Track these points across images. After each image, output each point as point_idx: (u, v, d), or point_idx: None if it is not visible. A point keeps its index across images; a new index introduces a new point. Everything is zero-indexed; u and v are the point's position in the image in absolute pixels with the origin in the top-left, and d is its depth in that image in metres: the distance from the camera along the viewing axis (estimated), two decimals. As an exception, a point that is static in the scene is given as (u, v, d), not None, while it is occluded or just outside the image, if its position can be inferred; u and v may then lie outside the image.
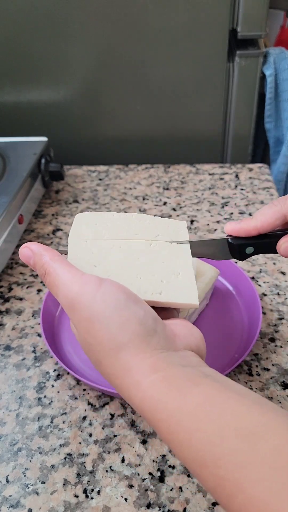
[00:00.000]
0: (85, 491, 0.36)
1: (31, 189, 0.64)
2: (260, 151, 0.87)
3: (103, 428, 0.40)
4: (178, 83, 0.75)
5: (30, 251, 0.31)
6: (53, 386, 0.44)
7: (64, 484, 0.36)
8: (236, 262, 0.56)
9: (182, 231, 0.36)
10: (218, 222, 0.65)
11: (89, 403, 0.42)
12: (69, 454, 0.38)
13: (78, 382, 0.44)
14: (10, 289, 0.55)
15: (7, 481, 0.36)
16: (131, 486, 0.36)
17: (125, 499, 0.35)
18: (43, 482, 0.36)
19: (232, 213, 0.66)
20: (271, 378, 0.43)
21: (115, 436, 0.39)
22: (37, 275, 0.57)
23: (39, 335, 0.49)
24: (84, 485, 0.36)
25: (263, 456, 0.20)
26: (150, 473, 0.36)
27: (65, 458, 0.38)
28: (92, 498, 0.35)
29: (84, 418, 0.41)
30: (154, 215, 0.66)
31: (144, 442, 0.39)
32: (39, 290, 0.55)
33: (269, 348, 0.46)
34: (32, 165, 0.64)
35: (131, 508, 0.34)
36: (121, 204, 0.70)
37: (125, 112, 0.79)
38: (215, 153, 0.83)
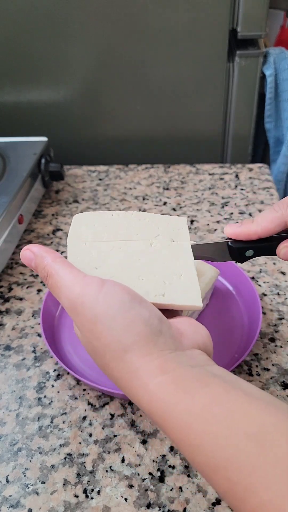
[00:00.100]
0: (85, 491, 0.36)
1: (31, 189, 0.64)
2: (260, 151, 0.87)
3: (103, 428, 0.40)
4: (178, 83, 0.75)
5: (31, 253, 0.31)
6: (53, 386, 0.44)
7: (64, 484, 0.36)
8: (236, 262, 0.56)
9: (182, 228, 0.36)
10: (218, 222, 0.65)
11: (89, 403, 0.42)
12: (69, 454, 0.38)
13: (78, 382, 0.44)
14: (10, 289, 0.55)
15: (7, 481, 0.36)
16: (131, 486, 0.36)
17: (125, 499, 0.35)
18: (43, 482, 0.36)
19: (232, 213, 0.66)
20: (271, 378, 0.43)
21: (115, 436, 0.39)
22: (37, 275, 0.57)
23: (39, 335, 0.49)
24: (84, 485, 0.36)
25: (274, 458, 0.19)
26: (150, 473, 0.36)
27: (65, 458, 0.38)
28: (92, 498, 0.35)
29: (84, 418, 0.41)
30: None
31: (144, 442, 0.39)
32: (39, 290, 0.55)
33: (269, 348, 0.46)
34: (32, 165, 0.64)
35: (131, 508, 0.34)
36: (121, 204, 0.70)
37: (125, 112, 0.79)
38: (215, 153, 0.83)
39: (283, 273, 0.55)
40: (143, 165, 0.79)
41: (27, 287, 0.55)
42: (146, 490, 0.35)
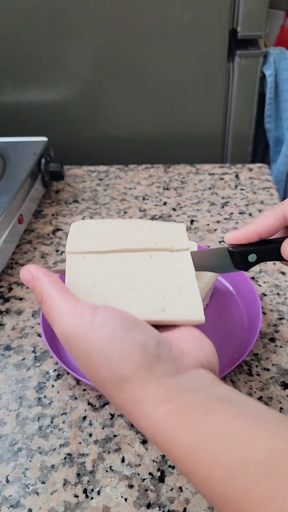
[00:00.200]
0: (85, 491, 0.36)
1: (31, 189, 0.64)
2: (260, 151, 0.87)
3: (103, 428, 0.40)
4: (178, 83, 0.75)
5: (29, 274, 0.30)
6: (53, 386, 0.44)
7: (64, 484, 0.36)
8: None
9: (181, 235, 0.35)
10: (218, 222, 0.65)
11: (89, 403, 0.42)
12: (69, 454, 0.38)
13: (78, 382, 0.44)
14: (10, 289, 0.55)
15: (7, 481, 0.36)
16: (131, 486, 0.36)
17: (125, 499, 0.35)
18: (43, 482, 0.36)
19: (232, 213, 0.66)
20: (271, 378, 0.43)
21: (115, 436, 0.39)
22: (37, 275, 0.57)
23: (39, 335, 0.49)
24: (84, 485, 0.36)
25: (286, 489, 0.19)
26: (150, 473, 0.36)
27: (65, 458, 0.38)
28: (92, 498, 0.35)
29: (84, 418, 0.41)
30: (154, 215, 0.66)
31: (144, 442, 0.39)
32: (39, 290, 0.55)
33: (269, 348, 0.46)
34: (32, 165, 0.64)
35: (131, 508, 0.34)
36: (121, 204, 0.70)
37: (125, 112, 0.79)
38: (215, 153, 0.83)
39: (283, 273, 0.55)
40: (143, 165, 0.79)
41: (27, 287, 0.55)
42: (146, 490, 0.35)
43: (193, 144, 0.82)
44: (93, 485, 0.36)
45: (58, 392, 0.43)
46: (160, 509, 0.34)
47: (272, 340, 0.47)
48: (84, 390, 0.43)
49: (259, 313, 0.45)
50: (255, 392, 0.42)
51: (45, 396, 0.43)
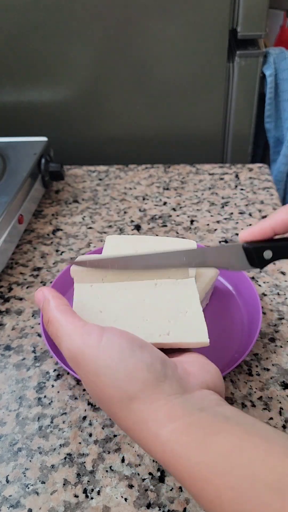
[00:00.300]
0: (85, 491, 0.36)
1: (31, 189, 0.64)
2: (260, 151, 0.87)
3: (103, 428, 0.40)
4: (178, 83, 0.75)
5: (43, 295, 0.31)
6: (53, 386, 0.44)
7: (64, 484, 0.36)
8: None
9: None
10: (218, 222, 0.65)
11: (89, 403, 0.42)
12: (69, 454, 0.38)
13: (78, 382, 0.44)
14: (10, 289, 0.55)
15: (7, 481, 0.36)
16: (131, 486, 0.36)
17: (125, 499, 0.35)
18: (43, 482, 0.36)
19: (232, 213, 0.66)
20: (271, 378, 0.43)
21: (115, 436, 0.39)
22: (37, 275, 0.57)
23: (39, 335, 0.49)
24: (84, 485, 0.36)
25: None
26: (150, 473, 0.36)
27: (65, 458, 0.38)
28: (92, 498, 0.35)
29: (84, 418, 0.41)
30: (154, 215, 0.66)
31: (144, 442, 0.39)
32: (39, 290, 0.55)
33: (269, 348, 0.46)
34: (32, 165, 0.64)
35: (131, 508, 0.34)
36: (121, 204, 0.70)
37: (125, 112, 0.79)
38: (215, 153, 0.83)
39: (283, 273, 0.55)
40: (143, 165, 0.79)
41: (27, 287, 0.55)
42: (146, 490, 0.35)
43: (193, 144, 0.82)
44: (93, 485, 0.36)
45: (58, 392, 0.43)
46: (160, 509, 0.34)
47: (272, 340, 0.47)
48: (84, 390, 0.43)
49: (259, 313, 0.45)
50: (255, 392, 0.42)
51: (45, 396, 0.43)
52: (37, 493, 0.36)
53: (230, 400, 0.41)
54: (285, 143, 0.78)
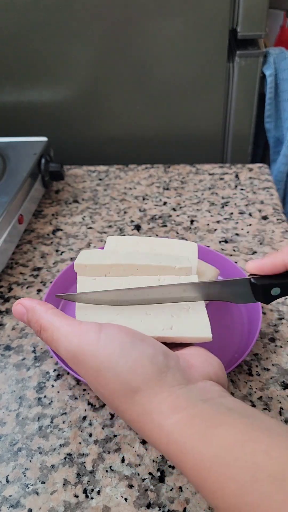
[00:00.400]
0: (85, 491, 0.36)
1: (31, 189, 0.64)
2: (260, 151, 0.87)
3: (103, 428, 0.40)
4: (178, 83, 0.75)
5: (23, 307, 0.30)
6: (53, 386, 0.44)
7: (64, 484, 0.36)
8: (236, 262, 0.56)
9: (192, 255, 0.36)
10: (218, 222, 0.65)
11: (89, 403, 0.42)
12: (69, 454, 0.38)
13: (78, 382, 0.44)
14: (10, 289, 0.55)
15: (7, 481, 0.36)
16: (131, 486, 0.36)
17: (125, 499, 0.35)
18: (43, 482, 0.36)
19: (232, 213, 0.66)
20: (271, 378, 0.43)
21: (115, 436, 0.39)
22: (37, 275, 0.57)
23: (39, 335, 0.49)
24: (84, 485, 0.36)
25: None
26: (150, 473, 0.36)
27: (65, 458, 0.38)
28: (92, 498, 0.35)
29: (84, 418, 0.41)
30: (154, 215, 0.66)
31: (144, 442, 0.39)
32: (39, 290, 0.55)
33: (269, 348, 0.46)
34: (32, 165, 0.64)
35: (131, 508, 0.34)
36: (121, 204, 0.70)
37: (125, 112, 0.79)
38: (215, 153, 0.83)
39: (283, 273, 0.55)
40: (143, 165, 0.79)
41: (27, 287, 0.55)
42: (146, 490, 0.35)
43: (193, 144, 0.82)
44: (93, 485, 0.36)
45: (58, 392, 0.43)
46: (160, 509, 0.34)
47: (272, 340, 0.47)
48: (84, 390, 0.43)
49: (259, 313, 0.45)
50: (255, 392, 0.42)
51: (45, 396, 0.43)
52: (37, 493, 0.36)
53: (230, 400, 0.41)
54: (285, 143, 0.78)
